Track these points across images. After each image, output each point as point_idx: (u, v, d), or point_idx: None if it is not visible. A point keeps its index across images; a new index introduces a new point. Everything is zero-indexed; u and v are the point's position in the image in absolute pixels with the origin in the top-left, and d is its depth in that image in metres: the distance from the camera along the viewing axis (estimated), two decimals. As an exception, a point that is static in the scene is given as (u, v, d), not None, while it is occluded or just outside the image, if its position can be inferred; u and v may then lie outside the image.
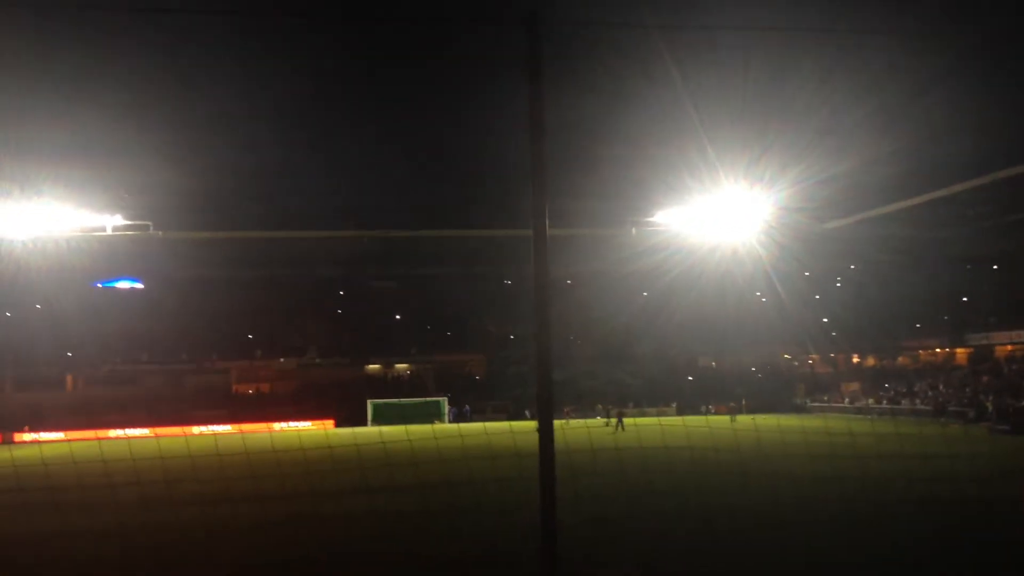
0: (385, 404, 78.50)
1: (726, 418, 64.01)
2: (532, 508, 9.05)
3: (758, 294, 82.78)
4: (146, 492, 23.26)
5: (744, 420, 57.11)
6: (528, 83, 8.56)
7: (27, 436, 70.35)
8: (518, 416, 73.44)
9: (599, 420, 66.71)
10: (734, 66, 54.11)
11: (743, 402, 73.85)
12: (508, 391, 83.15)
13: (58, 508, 22.27)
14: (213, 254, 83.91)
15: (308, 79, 79.78)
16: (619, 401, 77.83)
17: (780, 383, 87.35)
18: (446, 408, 79.68)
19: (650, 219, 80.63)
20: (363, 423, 75.33)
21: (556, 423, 8.89)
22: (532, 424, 9.26)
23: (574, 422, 59.95)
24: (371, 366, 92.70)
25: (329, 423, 75.89)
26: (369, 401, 79.63)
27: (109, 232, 74.68)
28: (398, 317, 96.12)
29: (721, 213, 73.56)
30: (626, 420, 54.83)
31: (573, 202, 66.88)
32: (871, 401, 73.40)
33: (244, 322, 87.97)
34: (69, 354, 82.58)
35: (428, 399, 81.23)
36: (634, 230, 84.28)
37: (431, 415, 75.45)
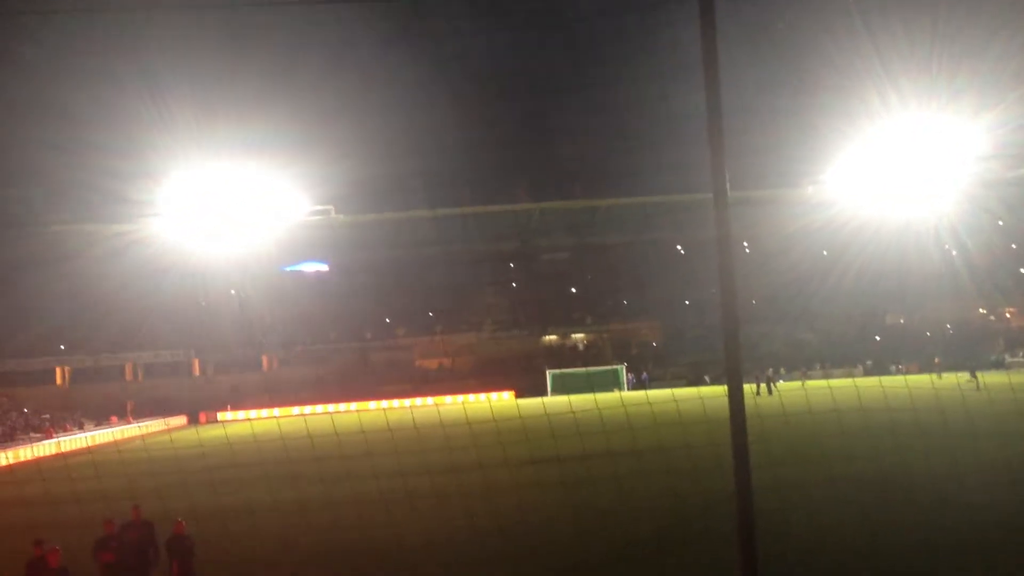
0: (564, 374, 79.00)
1: (928, 377, 60.05)
2: (725, 472, 8.99)
3: (947, 246, 78.90)
4: (350, 466, 24.38)
5: (949, 379, 53.78)
6: (701, 45, 8.40)
7: (229, 415, 74.51)
8: (698, 382, 72.68)
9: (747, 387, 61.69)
10: (921, 6, 51.46)
11: (936, 360, 70.42)
12: (685, 357, 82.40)
13: (268, 479, 23.64)
14: (390, 234, 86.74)
15: (476, 57, 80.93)
16: (803, 363, 76.01)
17: (976, 339, 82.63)
18: (624, 376, 79.55)
19: (828, 175, 78.18)
20: (543, 393, 76.17)
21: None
22: (720, 389, 9.01)
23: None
24: (548, 337, 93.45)
25: (510, 394, 77.21)
26: (548, 371, 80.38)
27: (296, 218, 78.48)
28: (573, 289, 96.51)
29: (904, 163, 70.53)
30: (809, 384, 52.89)
31: (749, 161, 65.45)
32: (1078, 355, 68.76)
33: (425, 299, 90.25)
34: (265, 339, 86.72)
35: (606, 368, 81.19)
36: (811, 188, 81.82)
37: (610, 383, 75.58)
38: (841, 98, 63.60)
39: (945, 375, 59.67)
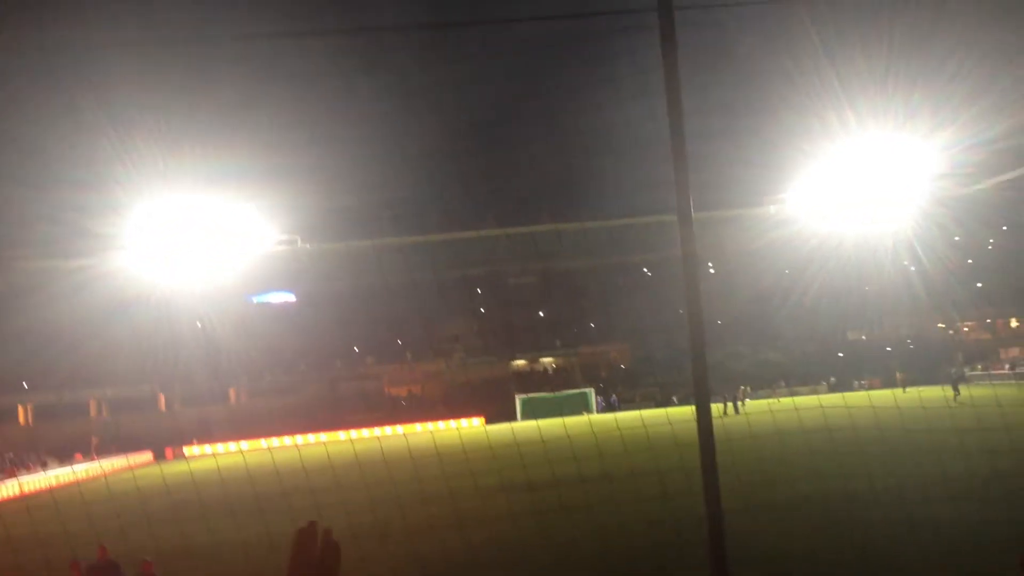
0: (533, 399, 78.90)
1: (891, 392, 60.65)
2: (696, 496, 8.95)
3: (905, 262, 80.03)
4: (319, 500, 24.07)
5: (928, 393, 54.04)
6: (663, 71, 8.41)
7: (196, 450, 73.57)
8: (666, 403, 72.83)
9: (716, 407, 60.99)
10: (881, 29, 52.47)
11: (898, 375, 71.14)
12: (654, 378, 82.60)
13: (234, 516, 23.32)
14: (357, 263, 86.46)
15: (440, 86, 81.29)
16: (768, 382, 76.45)
17: (936, 353, 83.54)
18: (594, 399, 79.56)
19: (788, 194, 79.18)
20: (513, 419, 75.93)
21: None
22: (687, 409, 9.00)
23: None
24: (517, 362, 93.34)
25: (480, 420, 76.91)
26: (517, 396, 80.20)
27: (261, 248, 78.04)
28: (541, 313, 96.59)
29: (862, 182, 71.62)
30: (782, 401, 52.93)
31: (711, 186, 66.15)
32: (1034, 366, 69.78)
33: (393, 327, 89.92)
34: (232, 371, 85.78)
35: (575, 391, 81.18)
36: (772, 207, 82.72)
37: (579, 407, 75.59)
38: (801, 118, 64.56)
39: (910, 389, 60.28)
